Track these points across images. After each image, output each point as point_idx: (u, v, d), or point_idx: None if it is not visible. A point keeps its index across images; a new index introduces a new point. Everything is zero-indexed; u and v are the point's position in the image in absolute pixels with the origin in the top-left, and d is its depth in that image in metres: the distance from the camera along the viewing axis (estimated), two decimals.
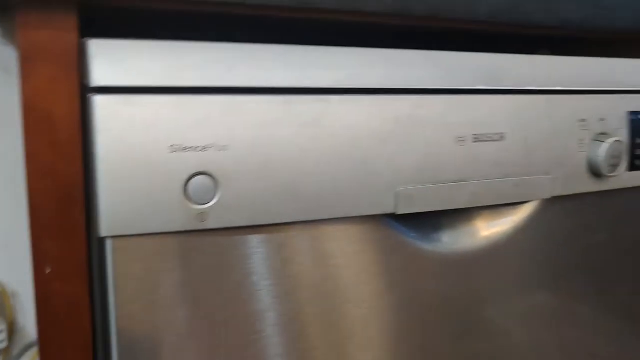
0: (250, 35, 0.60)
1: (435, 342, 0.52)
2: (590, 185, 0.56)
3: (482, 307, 0.54)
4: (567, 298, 0.59)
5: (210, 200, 0.41)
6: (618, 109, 0.56)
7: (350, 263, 0.47)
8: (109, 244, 0.40)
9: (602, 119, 0.55)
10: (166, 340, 0.43)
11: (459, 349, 0.53)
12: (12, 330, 0.89)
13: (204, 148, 0.41)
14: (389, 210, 0.47)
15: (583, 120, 0.54)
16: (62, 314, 0.44)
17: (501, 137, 0.50)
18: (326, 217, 0.45)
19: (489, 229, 0.53)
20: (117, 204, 0.39)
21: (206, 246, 0.42)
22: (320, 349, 0.47)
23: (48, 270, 0.42)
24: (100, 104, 0.38)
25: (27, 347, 0.95)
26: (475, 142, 0.49)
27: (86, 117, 0.41)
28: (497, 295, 0.54)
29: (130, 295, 0.41)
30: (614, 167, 0.55)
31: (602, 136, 0.55)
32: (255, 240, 0.44)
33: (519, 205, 0.54)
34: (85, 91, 0.40)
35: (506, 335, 0.56)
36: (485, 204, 0.51)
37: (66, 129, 0.41)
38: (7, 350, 0.93)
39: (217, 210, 0.42)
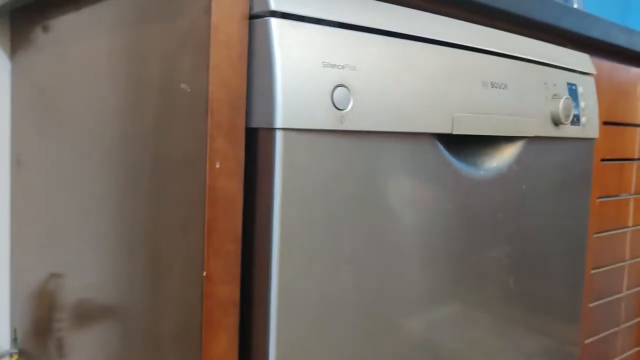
0: None
1: (461, 247, 0.67)
2: (553, 131, 0.76)
3: (495, 219, 0.70)
4: (539, 218, 0.78)
5: (347, 107, 0.54)
6: (561, 79, 0.79)
7: (410, 172, 0.62)
8: (279, 135, 0.50)
9: (554, 84, 0.77)
10: (318, 218, 0.53)
11: (483, 254, 0.69)
12: None
13: (342, 67, 0.54)
14: (448, 131, 0.62)
15: (545, 83, 0.75)
16: (221, 210, 0.52)
17: (505, 87, 0.69)
18: (411, 130, 0.59)
19: (498, 159, 0.71)
20: (287, 103, 0.50)
21: (341, 145, 0.54)
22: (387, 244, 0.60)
23: (217, 165, 0.51)
24: (276, 24, 0.50)
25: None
26: (492, 87, 0.67)
27: (253, 39, 0.51)
28: (507, 209, 0.71)
29: (293, 180, 0.51)
30: (567, 117, 0.76)
31: (556, 96, 0.76)
32: (373, 145, 0.57)
33: (515, 141, 0.73)
34: (256, 17, 0.51)
35: (521, 239, 0.73)
36: (502, 134, 0.69)
37: (238, 49, 0.51)
38: None
39: (350, 116, 0.54)
